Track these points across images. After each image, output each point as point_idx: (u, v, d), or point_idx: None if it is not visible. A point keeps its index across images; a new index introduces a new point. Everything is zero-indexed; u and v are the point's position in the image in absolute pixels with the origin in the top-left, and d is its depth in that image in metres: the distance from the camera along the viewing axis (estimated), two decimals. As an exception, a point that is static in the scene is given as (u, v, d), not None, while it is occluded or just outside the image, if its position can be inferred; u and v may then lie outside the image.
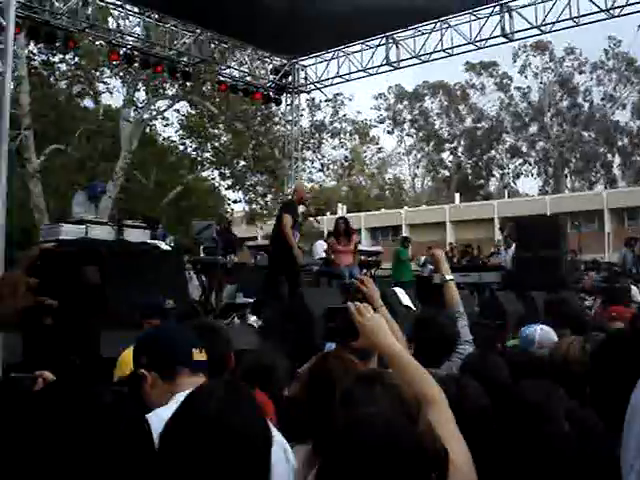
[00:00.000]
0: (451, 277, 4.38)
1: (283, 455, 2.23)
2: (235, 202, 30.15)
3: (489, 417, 2.53)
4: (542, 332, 4.83)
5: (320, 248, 14.75)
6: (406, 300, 6.10)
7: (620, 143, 57.03)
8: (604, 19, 16.02)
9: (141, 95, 25.75)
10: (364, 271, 14.52)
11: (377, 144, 59.88)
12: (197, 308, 10.06)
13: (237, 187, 28.63)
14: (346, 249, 11.82)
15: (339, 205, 53.69)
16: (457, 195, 53.27)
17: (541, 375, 3.34)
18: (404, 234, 47.97)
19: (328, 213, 51.07)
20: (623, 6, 15.38)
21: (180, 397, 2.17)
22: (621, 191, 47.27)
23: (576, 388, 2.60)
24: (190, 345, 2.58)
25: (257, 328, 7.69)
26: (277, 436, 2.16)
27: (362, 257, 14.95)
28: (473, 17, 17.01)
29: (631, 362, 2.06)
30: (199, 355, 2.56)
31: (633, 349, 2.15)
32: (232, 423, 1.72)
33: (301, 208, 12.45)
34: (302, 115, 23.51)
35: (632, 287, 14.32)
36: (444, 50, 17.66)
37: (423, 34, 17.84)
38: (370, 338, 2.35)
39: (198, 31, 17.35)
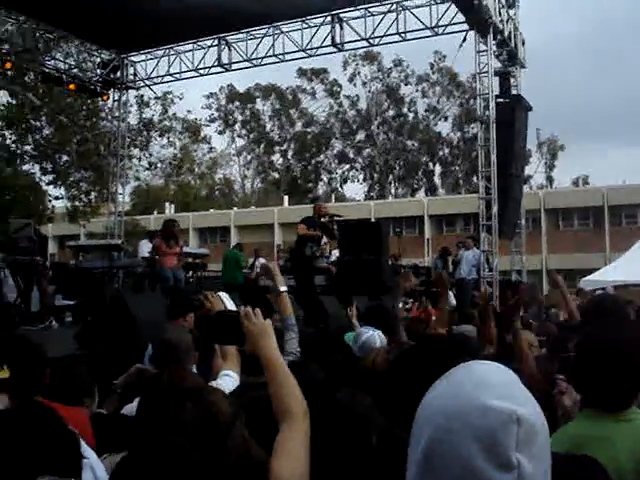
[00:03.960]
0: (285, 288, 4.41)
1: (91, 475, 2.17)
2: (57, 198, 28.85)
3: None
4: (370, 336, 5.00)
5: (145, 248, 14.42)
6: (230, 305, 6.08)
7: (441, 153, 59.91)
8: (429, 36, 16.81)
9: (-45, 83, 24.16)
10: (190, 273, 14.39)
11: (208, 144, 59.61)
12: (12, 311, 9.55)
13: (59, 183, 27.45)
14: (172, 251, 11.63)
15: (167, 204, 52.84)
16: (286, 197, 53.89)
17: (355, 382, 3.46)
18: (232, 235, 48.12)
19: (155, 212, 50.15)
20: (446, 25, 16.22)
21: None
22: (440, 199, 49.61)
23: (382, 397, 2.72)
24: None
25: (75, 333, 7.39)
26: (88, 456, 2.10)
27: (189, 259, 14.78)
28: (305, 25, 17.33)
29: (418, 374, 2.18)
30: (3, 372, 2.44)
31: (422, 362, 2.28)
32: (36, 447, 1.66)
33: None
34: (130, 112, 23.02)
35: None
36: (275, 55, 17.86)
37: (255, 38, 17.96)
38: (255, 342, 2.34)
39: (22, 19, 16.48)
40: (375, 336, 4.98)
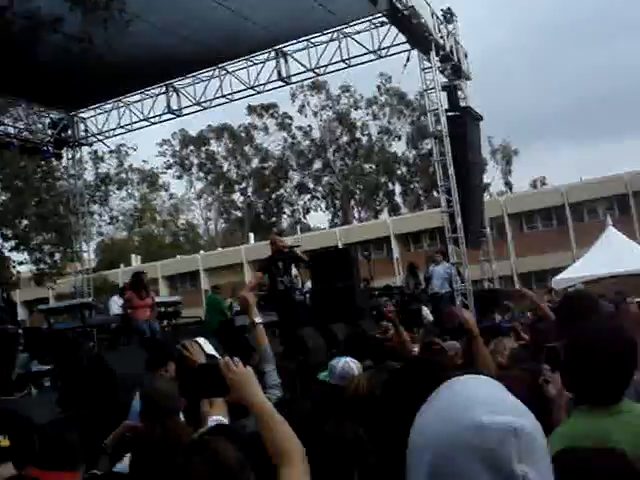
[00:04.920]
0: (259, 320, 4.33)
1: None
2: (21, 264, 28.52)
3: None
4: (344, 364, 4.98)
5: (115, 304, 14.30)
6: (209, 349, 6.04)
7: (399, 172, 60.34)
8: (373, 60, 17.05)
9: None
10: (164, 322, 14.28)
11: (167, 191, 59.54)
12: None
13: (22, 248, 27.16)
14: (144, 303, 11.55)
15: (133, 256, 52.48)
16: (251, 235, 53.83)
17: (341, 411, 3.46)
18: (202, 279, 47.88)
19: (122, 265, 49.76)
20: (389, 47, 16.49)
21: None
22: (404, 217, 49.89)
23: (368, 422, 2.73)
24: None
25: (57, 398, 7.27)
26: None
27: (162, 309, 14.68)
28: (250, 63, 17.47)
29: (411, 396, 2.18)
30: (4, 442, 2.40)
31: (412, 383, 2.30)
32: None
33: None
34: (85, 168, 22.90)
35: (423, 308, 15.17)
36: (224, 96, 17.96)
37: (202, 81, 18.05)
38: (238, 392, 2.34)
39: (-35, 87, 16.40)
40: (349, 363, 4.97)
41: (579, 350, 2.60)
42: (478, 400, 1.17)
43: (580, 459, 1.32)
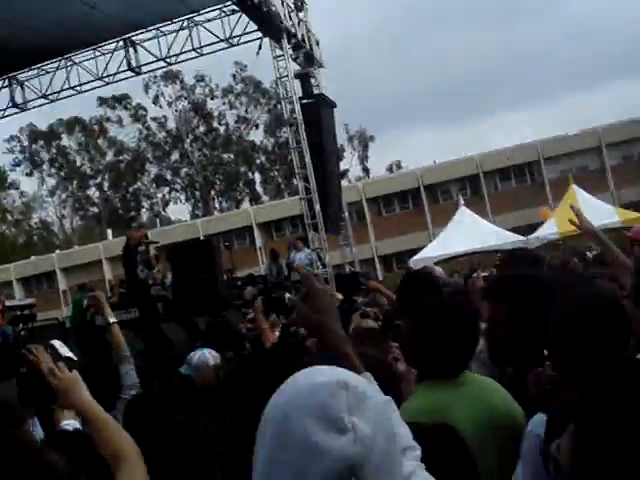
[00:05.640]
0: (114, 320, 4.29)
1: None
2: None
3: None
4: (200, 355, 4.91)
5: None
6: (66, 351, 5.80)
7: (258, 161, 60.41)
8: (225, 48, 16.93)
9: None
10: (20, 326, 13.66)
11: (17, 189, 56.99)
12: None
13: None
14: (-7, 308, 11.02)
15: (-17, 259, 49.97)
16: (109, 231, 52.29)
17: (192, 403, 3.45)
18: (59, 279, 46.18)
19: (-29, 269, 47.24)
20: (240, 35, 16.42)
21: None
22: (265, 206, 50.00)
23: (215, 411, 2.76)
24: None
25: None
26: None
27: (17, 312, 14.05)
28: (98, 53, 16.95)
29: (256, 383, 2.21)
30: None
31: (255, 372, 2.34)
32: None
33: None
34: None
35: (286, 295, 15.24)
36: (72, 87, 17.37)
37: (48, 73, 17.35)
38: (65, 397, 2.29)
39: None
40: (206, 354, 4.91)
41: (421, 325, 2.67)
42: (318, 370, 1.23)
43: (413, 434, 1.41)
